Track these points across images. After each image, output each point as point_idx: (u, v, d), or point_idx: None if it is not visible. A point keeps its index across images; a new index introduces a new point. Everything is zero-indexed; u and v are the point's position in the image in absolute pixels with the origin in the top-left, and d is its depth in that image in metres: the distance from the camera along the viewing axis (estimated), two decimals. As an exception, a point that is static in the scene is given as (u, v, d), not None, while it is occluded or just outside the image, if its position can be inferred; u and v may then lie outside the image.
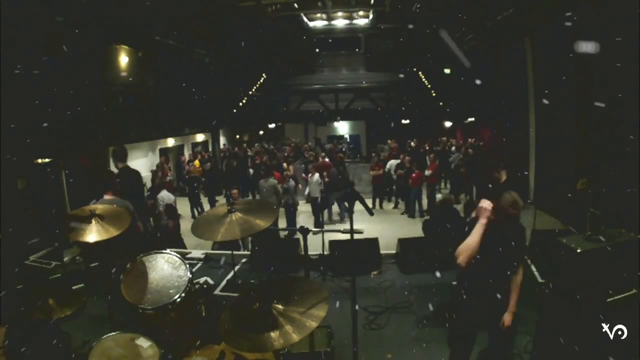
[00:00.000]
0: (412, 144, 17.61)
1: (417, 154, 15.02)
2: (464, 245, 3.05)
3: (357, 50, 22.45)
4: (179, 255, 3.67)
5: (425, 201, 12.19)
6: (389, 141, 17.46)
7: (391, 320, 5.11)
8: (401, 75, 20.47)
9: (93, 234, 3.66)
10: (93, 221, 3.72)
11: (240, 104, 19.82)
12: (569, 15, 8.17)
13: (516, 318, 3.27)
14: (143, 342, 3.00)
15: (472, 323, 3.27)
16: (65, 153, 9.32)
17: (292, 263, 6.48)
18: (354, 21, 20.32)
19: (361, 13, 19.32)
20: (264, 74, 20.76)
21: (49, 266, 6.96)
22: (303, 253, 3.32)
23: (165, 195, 9.36)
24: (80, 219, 3.75)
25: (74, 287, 5.52)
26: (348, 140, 24.87)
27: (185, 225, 9.39)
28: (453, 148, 16.29)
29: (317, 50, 22.23)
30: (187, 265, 3.58)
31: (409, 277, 6.28)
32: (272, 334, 2.23)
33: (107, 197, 4.98)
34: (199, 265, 7.01)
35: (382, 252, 6.94)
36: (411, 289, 5.90)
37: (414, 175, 11.68)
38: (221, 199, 13.56)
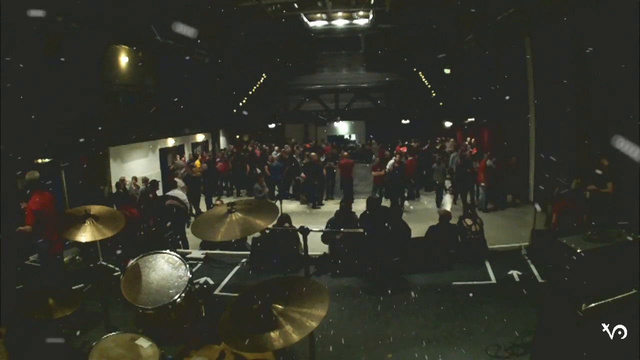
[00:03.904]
0: (413, 144, 17.58)
1: (420, 153, 15.02)
2: None
3: (357, 50, 22.43)
4: (179, 255, 3.67)
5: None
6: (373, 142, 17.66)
7: (391, 320, 5.10)
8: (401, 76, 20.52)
9: (86, 234, 3.66)
10: (87, 222, 3.73)
11: (240, 104, 19.81)
12: (569, 16, 8.18)
13: None
14: (143, 342, 3.00)
15: None
16: (65, 153, 9.32)
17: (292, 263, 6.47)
18: (354, 21, 20.29)
19: (361, 13, 19.30)
20: (264, 74, 20.75)
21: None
22: (303, 253, 3.32)
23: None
24: (75, 218, 3.75)
25: (74, 287, 5.52)
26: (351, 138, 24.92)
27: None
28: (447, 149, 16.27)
29: (317, 50, 22.23)
30: (187, 266, 3.58)
31: (409, 277, 6.27)
32: (272, 334, 2.23)
33: None
34: (199, 265, 7.01)
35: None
36: (411, 289, 5.89)
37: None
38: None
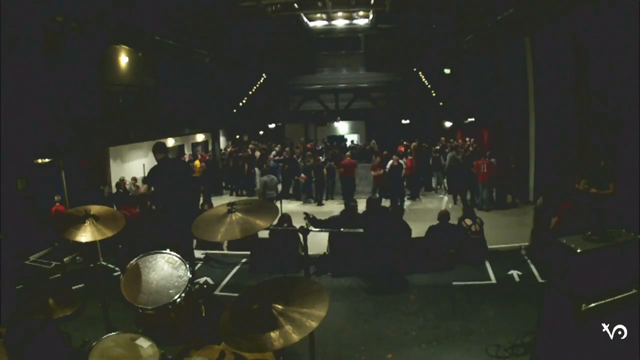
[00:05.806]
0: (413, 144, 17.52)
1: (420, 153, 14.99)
2: None
3: (357, 50, 22.44)
4: (179, 255, 3.66)
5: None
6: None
7: (391, 320, 5.10)
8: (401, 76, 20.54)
9: (86, 234, 3.66)
10: (87, 222, 3.72)
11: (240, 104, 19.81)
12: (569, 16, 8.18)
13: None
14: (143, 342, 3.00)
15: None
16: (65, 153, 9.33)
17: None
18: (354, 21, 20.31)
19: (361, 13, 19.32)
20: (264, 74, 20.76)
21: (49, 266, 6.96)
22: (303, 253, 3.32)
23: None
24: (75, 218, 3.75)
25: (73, 287, 5.52)
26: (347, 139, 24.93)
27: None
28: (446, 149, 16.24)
29: (317, 50, 22.24)
30: (187, 265, 3.58)
31: (409, 277, 6.27)
32: (272, 334, 2.22)
33: None
34: (199, 265, 7.01)
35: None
36: (411, 289, 5.89)
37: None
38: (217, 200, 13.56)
